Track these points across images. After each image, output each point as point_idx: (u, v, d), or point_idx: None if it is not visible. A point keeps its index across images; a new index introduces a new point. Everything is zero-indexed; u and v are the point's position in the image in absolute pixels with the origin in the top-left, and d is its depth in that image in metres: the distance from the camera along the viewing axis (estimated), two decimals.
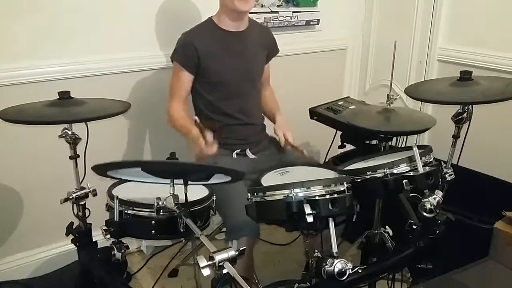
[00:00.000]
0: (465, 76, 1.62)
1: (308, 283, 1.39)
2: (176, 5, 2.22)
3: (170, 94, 1.94)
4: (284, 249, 2.41)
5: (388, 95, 1.75)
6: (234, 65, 1.92)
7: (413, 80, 2.58)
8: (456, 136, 1.65)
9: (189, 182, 1.37)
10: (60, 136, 1.59)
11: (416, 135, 2.52)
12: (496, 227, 1.87)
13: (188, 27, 1.93)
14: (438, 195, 1.42)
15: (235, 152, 1.95)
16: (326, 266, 1.24)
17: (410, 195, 1.43)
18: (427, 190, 1.42)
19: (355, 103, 2.26)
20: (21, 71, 1.91)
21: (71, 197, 1.61)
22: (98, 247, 1.67)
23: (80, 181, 1.65)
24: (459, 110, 1.60)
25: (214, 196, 1.59)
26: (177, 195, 1.37)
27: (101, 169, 1.33)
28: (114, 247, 1.54)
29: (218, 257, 1.09)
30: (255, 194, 1.36)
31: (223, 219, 1.78)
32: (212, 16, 1.94)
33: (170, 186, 1.37)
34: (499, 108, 1.79)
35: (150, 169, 1.35)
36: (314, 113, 2.18)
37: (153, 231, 1.45)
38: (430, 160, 1.48)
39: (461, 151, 1.72)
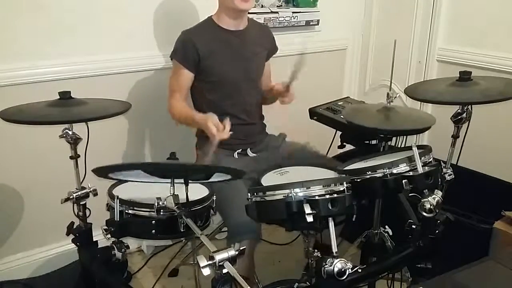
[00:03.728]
0: (465, 76, 1.63)
1: (308, 282, 1.39)
2: (175, 6, 2.23)
3: (169, 92, 1.94)
4: (284, 249, 2.41)
5: (388, 93, 1.74)
6: (234, 64, 1.92)
7: (413, 80, 2.58)
8: (455, 136, 1.65)
9: (190, 181, 1.37)
10: (61, 136, 1.59)
11: (415, 135, 2.52)
12: (495, 227, 1.87)
13: (187, 28, 1.93)
14: (438, 195, 1.42)
15: (236, 152, 1.95)
16: (326, 266, 1.24)
17: (410, 195, 1.43)
18: (426, 190, 1.42)
19: (354, 104, 2.26)
20: (22, 71, 1.91)
21: (71, 197, 1.62)
22: (99, 247, 1.67)
23: (81, 181, 1.65)
24: (459, 110, 1.60)
25: (214, 196, 1.59)
26: (177, 195, 1.37)
27: (102, 172, 1.33)
28: (115, 247, 1.54)
29: (218, 257, 1.09)
30: (255, 194, 1.36)
31: (224, 220, 1.78)
32: (212, 15, 1.95)
33: (170, 186, 1.37)
34: (499, 108, 1.80)
35: (150, 170, 1.35)
36: (314, 113, 2.18)
37: (154, 231, 1.45)
38: (430, 160, 1.48)
39: (460, 151, 1.72)
